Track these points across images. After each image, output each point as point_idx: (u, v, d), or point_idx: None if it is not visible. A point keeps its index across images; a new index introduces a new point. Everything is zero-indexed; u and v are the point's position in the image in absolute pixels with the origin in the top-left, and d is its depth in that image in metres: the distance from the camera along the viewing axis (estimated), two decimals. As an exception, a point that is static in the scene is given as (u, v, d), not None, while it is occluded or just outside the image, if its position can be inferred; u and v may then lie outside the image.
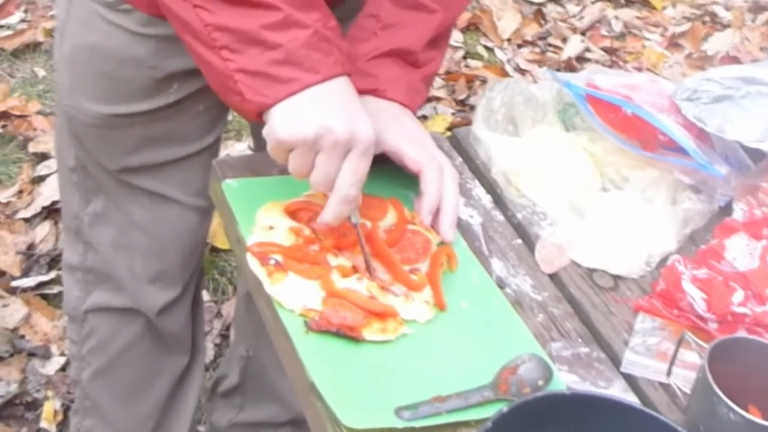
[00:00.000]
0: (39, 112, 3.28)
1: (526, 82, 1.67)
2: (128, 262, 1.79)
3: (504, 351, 1.21)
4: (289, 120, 1.24)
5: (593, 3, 4.53)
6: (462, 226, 1.43)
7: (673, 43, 4.30)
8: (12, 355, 2.51)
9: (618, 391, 1.21)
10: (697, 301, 1.27)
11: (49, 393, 2.45)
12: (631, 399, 1.20)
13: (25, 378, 2.47)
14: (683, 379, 1.20)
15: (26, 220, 2.86)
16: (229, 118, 1.81)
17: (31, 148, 3.11)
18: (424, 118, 3.45)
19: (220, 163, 1.48)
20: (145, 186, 1.70)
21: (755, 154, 1.53)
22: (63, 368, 2.50)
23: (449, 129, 3.34)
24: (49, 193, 2.91)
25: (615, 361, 1.27)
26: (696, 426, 1.10)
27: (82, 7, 1.56)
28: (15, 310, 2.59)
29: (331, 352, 1.20)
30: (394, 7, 1.47)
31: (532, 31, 4.24)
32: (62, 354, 2.53)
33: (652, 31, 4.40)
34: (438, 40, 1.51)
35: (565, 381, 1.21)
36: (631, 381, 1.24)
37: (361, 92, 1.40)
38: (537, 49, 4.13)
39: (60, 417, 2.41)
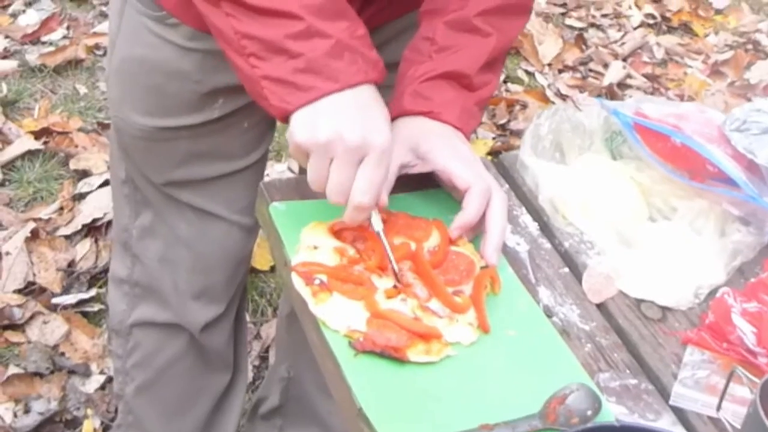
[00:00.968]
0: (80, 129, 3.30)
1: (574, 110, 1.67)
2: (173, 278, 1.80)
3: (552, 380, 1.20)
4: (307, 125, 1.27)
5: (635, 29, 4.53)
6: (509, 254, 1.43)
7: (715, 71, 4.29)
8: (52, 372, 2.52)
9: (667, 424, 1.20)
10: (747, 335, 1.26)
11: (89, 411, 2.45)
12: (680, 433, 1.20)
13: (65, 396, 2.47)
14: (733, 414, 1.20)
15: (67, 237, 2.88)
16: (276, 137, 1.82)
17: (72, 165, 3.13)
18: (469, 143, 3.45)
19: (268, 185, 1.49)
20: (191, 201, 1.72)
21: (805, 187, 1.52)
22: (103, 386, 2.51)
23: (490, 154, 3.34)
24: (89, 210, 2.94)
25: (664, 393, 1.26)
26: (746, 461, 1.10)
27: (132, 21, 1.59)
28: (55, 327, 2.60)
29: (378, 375, 1.20)
30: (449, 30, 1.48)
31: (573, 56, 4.23)
32: (102, 372, 2.54)
33: (694, 59, 4.39)
34: (493, 64, 1.51)
35: (613, 413, 1.20)
36: (680, 414, 1.23)
37: (416, 114, 1.42)
38: (578, 75, 4.13)
39: (99, 436, 2.43)
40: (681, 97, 3.96)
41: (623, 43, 4.40)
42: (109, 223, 2.88)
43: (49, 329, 2.59)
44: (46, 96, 3.46)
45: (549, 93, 3.94)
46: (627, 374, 1.27)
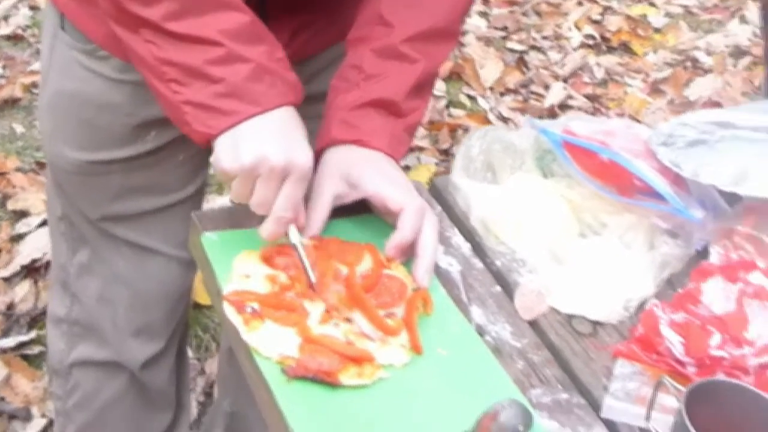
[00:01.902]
0: (18, 169, 3.27)
1: (505, 130, 1.69)
2: (111, 315, 1.79)
3: (484, 397, 1.20)
4: (231, 150, 1.30)
5: (575, 50, 4.57)
6: (441, 274, 1.44)
7: (655, 89, 4.34)
8: (-8, 416, 2.49)
9: (598, 437, 1.22)
10: (675, 346, 1.28)
11: (30, 456, 2.42)
12: (611, 444, 1.21)
13: (6, 441, 2.44)
14: (663, 424, 1.20)
15: (5, 279, 2.85)
16: (210, 171, 1.81)
17: (10, 205, 3.10)
18: (407, 168, 3.47)
19: (200, 215, 1.49)
20: (127, 237, 1.71)
21: (730, 198, 1.54)
22: (44, 430, 2.47)
23: (430, 180, 3.35)
24: (28, 251, 2.91)
25: (595, 406, 1.27)
26: (675, 470, 1.11)
27: (63, 55, 1.59)
28: (-5, 371, 2.57)
29: (311, 400, 1.20)
30: (376, 58, 1.48)
31: (514, 79, 4.27)
32: (43, 415, 2.51)
33: (634, 77, 4.44)
34: (421, 90, 1.52)
35: (545, 427, 1.21)
36: (611, 426, 1.24)
37: (345, 142, 1.43)
38: (520, 97, 4.16)
39: (42, 480, 2.40)
40: (622, 116, 4.00)
41: (564, 65, 4.44)
42: (49, 263, 2.85)
43: (-11, 373, 2.56)
44: (-18, 136, 3.44)
45: (491, 116, 3.96)
46: (559, 389, 1.28)
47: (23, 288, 2.82)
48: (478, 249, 1.52)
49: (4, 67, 3.81)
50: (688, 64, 4.59)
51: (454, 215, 1.58)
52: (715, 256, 1.45)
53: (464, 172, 1.62)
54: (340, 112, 1.46)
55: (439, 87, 4.02)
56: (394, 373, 1.26)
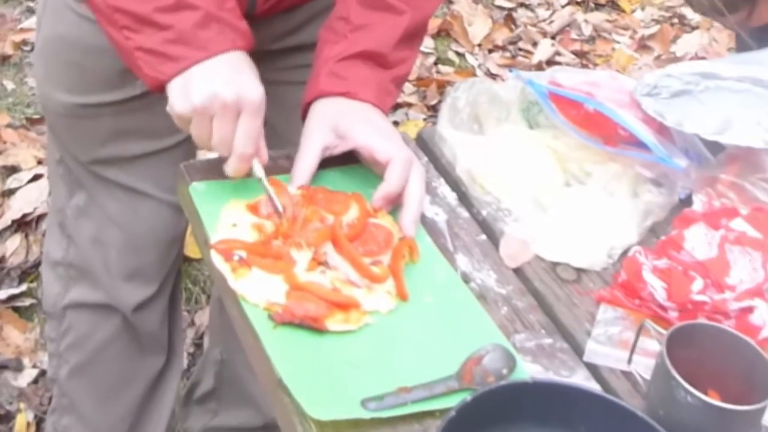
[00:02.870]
0: (8, 125, 3.28)
1: (491, 82, 1.69)
2: (104, 258, 1.81)
3: (468, 342, 1.22)
4: (181, 93, 1.34)
5: (563, 7, 4.57)
6: (427, 224, 1.45)
7: (643, 46, 4.34)
8: (-16, 369, 2.51)
9: (581, 380, 1.23)
10: (657, 291, 1.29)
11: (22, 405, 2.44)
12: (594, 387, 1.22)
13: (-3, 391, 2.47)
14: (644, 367, 1.22)
15: (-4, 233, 2.87)
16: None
17: (1, 161, 3.10)
18: (396, 123, 3.47)
19: (188, 166, 1.49)
20: (118, 179, 1.73)
21: (714, 147, 1.55)
22: (35, 380, 2.50)
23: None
24: (19, 206, 2.92)
25: (578, 351, 1.29)
26: (656, 411, 1.13)
27: (55, 0, 1.62)
28: (-14, 324, 2.58)
29: (297, 346, 1.21)
30: (363, 9, 1.49)
31: (502, 36, 4.26)
32: (34, 366, 2.53)
33: (621, 34, 4.44)
34: (408, 41, 1.53)
35: (529, 371, 1.23)
36: (593, 370, 1.26)
37: (333, 95, 1.45)
38: (508, 54, 4.16)
39: (33, 429, 2.41)
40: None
41: (552, 22, 4.43)
42: (39, 217, 2.87)
43: (-20, 326, 2.57)
44: (-27, 93, 3.43)
45: (479, 73, 3.96)
46: (542, 334, 1.30)
47: (14, 242, 2.83)
48: (464, 199, 1.53)
49: (-6, 25, 3.81)
50: (675, 20, 4.59)
51: (440, 166, 1.59)
52: (698, 204, 1.46)
53: (450, 124, 1.63)
54: (328, 63, 1.48)
55: (428, 44, 4.01)
56: (380, 319, 1.27)
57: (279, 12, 1.64)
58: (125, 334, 1.89)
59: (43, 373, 2.46)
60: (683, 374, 1.10)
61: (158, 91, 1.38)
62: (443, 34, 4.16)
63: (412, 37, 1.55)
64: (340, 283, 1.29)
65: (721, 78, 1.64)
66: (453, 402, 1.11)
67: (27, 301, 2.68)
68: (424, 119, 3.60)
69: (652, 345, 1.22)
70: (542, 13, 4.52)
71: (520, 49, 4.21)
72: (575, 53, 4.20)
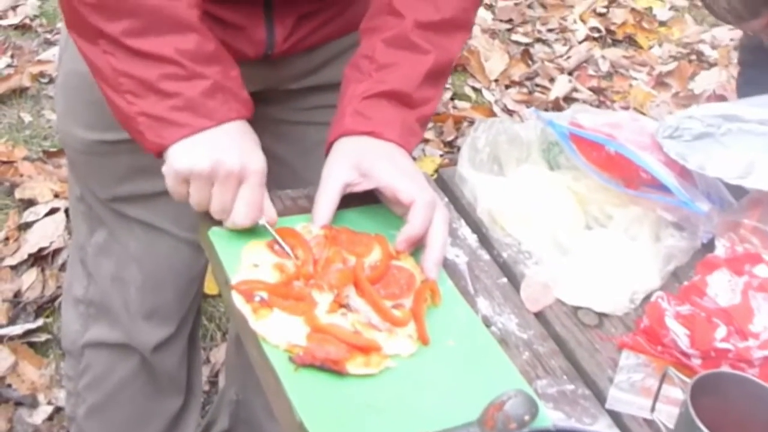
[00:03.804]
0: (25, 158, 3.30)
1: (511, 122, 1.69)
2: (124, 296, 1.81)
3: (490, 387, 1.21)
4: (185, 155, 1.36)
5: (580, 43, 4.58)
6: (448, 266, 1.44)
7: (660, 82, 4.34)
8: (-1, 404, 2.51)
9: (603, 428, 1.22)
10: (680, 338, 1.28)
11: (37, 443, 2.43)
12: (617, 435, 1.21)
13: (12, 428, 2.45)
14: (667, 415, 1.21)
15: (12, 267, 2.86)
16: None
17: (18, 194, 3.12)
18: (412, 159, 3.46)
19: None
20: (138, 216, 1.74)
21: (736, 191, 1.54)
22: (50, 417, 2.49)
23: (437, 170, 3.36)
24: (35, 240, 2.92)
25: (600, 398, 1.27)
26: (680, 461, 1.11)
27: None
28: (2, 359, 2.58)
29: (318, 389, 1.21)
30: (388, 48, 1.50)
31: (519, 71, 4.27)
32: (49, 403, 2.52)
33: (639, 71, 4.44)
34: (433, 81, 1.53)
35: (551, 418, 1.22)
36: (616, 417, 1.25)
37: (358, 134, 1.45)
38: (524, 90, 4.17)
39: (48, 467, 2.41)
40: (626, 109, 4.00)
41: (569, 57, 4.44)
42: (56, 252, 2.87)
43: (-5, 360, 2.57)
44: (-11, 125, 3.45)
45: (496, 109, 3.97)
46: (564, 380, 1.29)
47: (30, 276, 2.83)
48: (485, 240, 1.52)
49: (12, 57, 3.83)
50: (693, 57, 4.59)
51: (460, 206, 1.59)
52: (721, 248, 1.45)
53: (470, 164, 1.62)
54: (353, 102, 1.48)
55: (444, 79, 4.01)
56: (400, 363, 1.27)
57: (299, 52, 1.64)
58: (143, 374, 1.88)
59: (57, 410, 2.46)
60: (707, 423, 1.08)
61: (156, 156, 1.39)
62: (460, 69, 4.17)
63: (437, 77, 1.55)
64: (361, 326, 1.28)
65: (743, 120, 1.64)
66: (474, 449, 1.10)
67: (42, 336, 2.68)
68: (441, 155, 3.60)
69: (675, 393, 1.21)
70: (559, 48, 4.53)
71: (537, 85, 4.21)
72: (592, 89, 4.20)
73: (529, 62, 4.37)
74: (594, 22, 4.76)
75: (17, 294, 2.78)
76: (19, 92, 3.62)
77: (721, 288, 1.35)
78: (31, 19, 4.10)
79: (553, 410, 1.24)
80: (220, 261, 1.38)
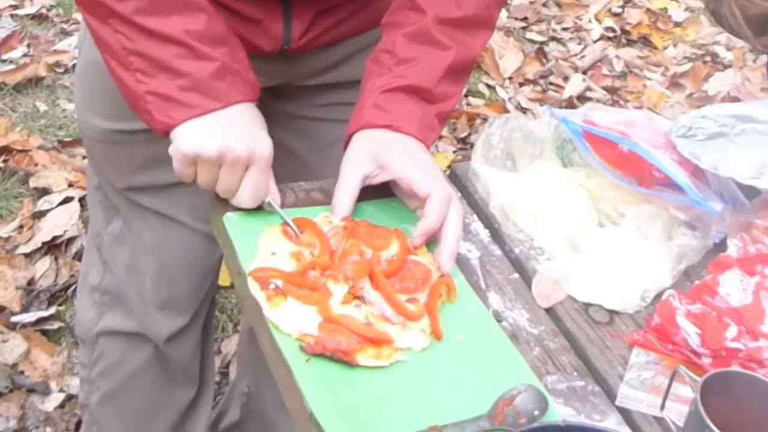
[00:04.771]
0: (40, 147, 3.31)
1: (525, 118, 1.69)
2: (138, 286, 1.82)
3: (500, 382, 1.22)
4: (193, 137, 1.37)
5: (595, 42, 4.57)
6: (460, 260, 1.45)
7: (674, 83, 4.33)
8: (11, 391, 2.51)
9: (613, 425, 1.22)
10: (691, 336, 1.29)
11: (48, 429, 2.44)
12: (626, 432, 1.22)
13: (24, 414, 2.46)
14: (677, 413, 1.21)
15: (26, 255, 2.88)
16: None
17: (32, 183, 3.13)
18: (430, 154, 3.47)
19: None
20: (153, 207, 1.74)
21: (749, 192, 1.55)
22: (62, 405, 2.50)
23: (450, 166, 3.36)
24: (49, 228, 2.93)
25: (610, 394, 1.28)
26: (688, 458, 1.12)
27: None
28: (15, 346, 2.59)
29: (329, 380, 1.21)
30: (408, 43, 1.50)
31: (533, 69, 4.27)
32: (61, 390, 2.54)
33: (653, 71, 4.43)
34: (454, 78, 1.54)
35: (560, 413, 1.22)
36: (625, 414, 1.25)
37: (377, 127, 1.45)
38: (538, 88, 4.16)
39: (59, 454, 2.42)
40: (640, 109, 3.99)
41: (583, 56, 4.44)
42: (69, 240, 2.88)
43: (8, 348, 2.58)
44: (5, 114, 3.46)
45: (510, 106, 3.97)
46: (574, 376, 1.29)
47: (44, 264, 2.85)
48: (497, 236, 1.53)
49: (28, 46, 3.84)
50: (708, 58, 4.58)
51: (473, 202, 1.59)
52: (733, 248, 1.45)
53: (484, 160, 1.63)
54: (372, 95, 1.48)
55: (458, 76, 4.01)
56: (411, 356, 1.27)
57: (316, 48, 1.64)
58: (156, 364, 1.89)
59: (69, 397, 2.47)
60: (717, 422, 1.09)
61: (163, 136, 1.40)
62: (474, 65, 4.16)
63: (458, 74, 1.55)
64: (374, 318, 1.29)
65: (756, 121, 1.64)
66: (484, 443, 1.10)
67: (55, 324, 2.69)
68: (454, 151, 3.61)
69: (685, 391, 1.22)
70: (574, 47, 4.53)
71: (551, 84, 4.21)
72: (606, 89, 4.19)
73: (544, 60, 4.37)
74: (609, 21, 4.76)
75: (30, 282, 2.79)
76: (35, 82, 3.63)
77: (733, 288, 1.35)
78: (48, 9, 4.11)
79: (563, 406, 1.24)
80: (233, 247, 1.39)
